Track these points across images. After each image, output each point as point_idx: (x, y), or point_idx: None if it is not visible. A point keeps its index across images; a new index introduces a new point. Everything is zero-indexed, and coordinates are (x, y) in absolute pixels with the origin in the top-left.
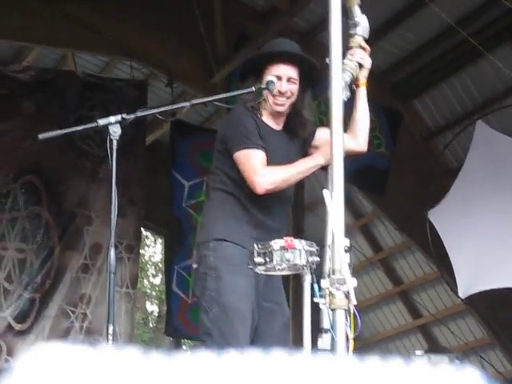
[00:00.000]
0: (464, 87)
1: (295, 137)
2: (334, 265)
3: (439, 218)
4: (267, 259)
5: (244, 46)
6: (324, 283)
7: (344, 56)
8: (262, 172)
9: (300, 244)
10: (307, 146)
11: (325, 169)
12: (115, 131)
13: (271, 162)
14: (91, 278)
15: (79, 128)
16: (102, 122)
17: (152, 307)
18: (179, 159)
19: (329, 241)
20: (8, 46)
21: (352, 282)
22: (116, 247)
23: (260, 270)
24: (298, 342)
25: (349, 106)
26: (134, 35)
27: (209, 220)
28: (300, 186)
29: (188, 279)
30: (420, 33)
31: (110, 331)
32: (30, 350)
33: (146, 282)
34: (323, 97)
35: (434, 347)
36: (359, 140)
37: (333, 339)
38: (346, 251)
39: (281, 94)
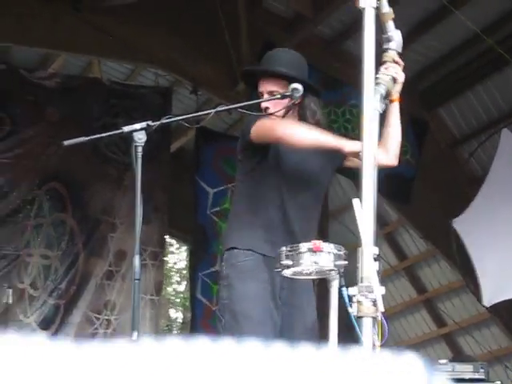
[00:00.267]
0: (489, 95)
1: None
2: (362, 272)
3: (464, 226)
4: (295, 262)
5: None
6: (352, 291)
7: (377, 70)
8: (278, 121)
9: (328, 247)
10: (341, 157)
11: (352, 177)
12: (140, 138)
13: (288, 161)
14: (115, 285)
15: (104, 135)
16: (127, 128)
17: (176, 314)
18: (204, 166)
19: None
20: (34, 52)
21: (380, 290)
22: (140, 254)
23: (287, 273)
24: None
25: (380, 121)
26: (160, 43)
27: (226, 232)
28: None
29: (212, 286)
30: (445, 41)
31: (135, 338)
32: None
33: (170, 288)
34: (348, 104)
35: (458, 356)
36: (390, 154)
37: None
38: (374, 259)
39: (265, 110)
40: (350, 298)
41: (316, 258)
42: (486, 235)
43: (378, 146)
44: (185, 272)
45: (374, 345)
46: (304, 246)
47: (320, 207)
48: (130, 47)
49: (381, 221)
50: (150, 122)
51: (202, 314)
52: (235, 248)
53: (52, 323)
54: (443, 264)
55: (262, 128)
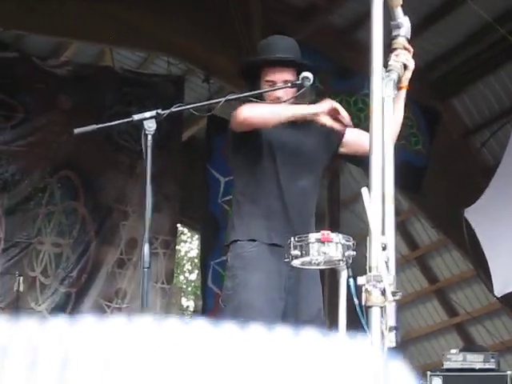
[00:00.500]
0: (502, 85)
1: (310, 126)
2: (370, 262)
3: (476, 216)
4: (303, 252)
5: None
6: (360, 280)
7: (388, 57)
8: (247, 105)
9: (337, 237)
10: (337, 143)
11: (360, 164)
12: (150, 126)
13: (283, 149)
14: (127, 273)
15: (114, 123)
16: (137, 117)
17: (188, 303)
18: (215, 155)
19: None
20: (47, 41)
21: (388, 279)
22: (152, 243)
23: (296, 263)
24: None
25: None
26: (172, 31)
27: (229, 226)
28: (335, 182)
29: (223, 275)
30: (458, 30)
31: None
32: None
33: (181, 277)
34: (360, 94)
35: (469, 346)
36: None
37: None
38: (383, 248)
39: (277, 99)
40: (359, 287)
41: (325, 248)
42: (498, 225)
43: None
44: (196, 261)
45: (382, 334)
46: (313, 237)
47: (317, 193)
48: (142, 35)
49: None
50: (159, 111)
51: (213, 303)
52: (238, 240)
53: (63, 311)
54: (455, 254)
55: (233, 117)
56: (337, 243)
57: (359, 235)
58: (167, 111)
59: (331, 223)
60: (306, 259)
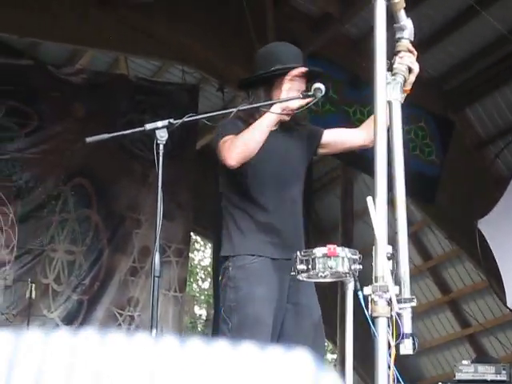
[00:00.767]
0: None
1: (292, 132)
2: (376, 272)
3: (489, 227)
4: (310, 266)
5: None
6: (367, 290)
7: (392, 60)
8: (226, 146)
9: (343, 252)
10: (316, 145)
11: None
12: (162, 136)
13: (270, 160)
14: (139, 281)
15: (126, 132)
16: (149, 126)
17: (200, 311)
18: None
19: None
20: (62, 49)
21: (394, 290)
22: (164, 251)
23: (303, 276)
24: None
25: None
26: (186, 40)
27: (225, 238)
28: (349, 192)
29: None
30: (472, 41)
31: (154, 335)
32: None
33: (195, 285)
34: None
35: (481, 357)
36: (370, 134)
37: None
38: (388, 258)
39: (293, 110)
40: (366, 298)
41: (331, 262)
42: (511, 236)
43: (361, 127)
44: (210, 269)
45: (389, 345)
46: (319, 251)
47: (302, 198)
48: (157, 44)
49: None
50: (172, 120)
51: None
52: (241, 253)
53: (75, 319)
54: (468, 265)
55: (221, 157)
56: (343, 257)
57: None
58: (179, 121)
59: (344, 234)
60: (312, 273)
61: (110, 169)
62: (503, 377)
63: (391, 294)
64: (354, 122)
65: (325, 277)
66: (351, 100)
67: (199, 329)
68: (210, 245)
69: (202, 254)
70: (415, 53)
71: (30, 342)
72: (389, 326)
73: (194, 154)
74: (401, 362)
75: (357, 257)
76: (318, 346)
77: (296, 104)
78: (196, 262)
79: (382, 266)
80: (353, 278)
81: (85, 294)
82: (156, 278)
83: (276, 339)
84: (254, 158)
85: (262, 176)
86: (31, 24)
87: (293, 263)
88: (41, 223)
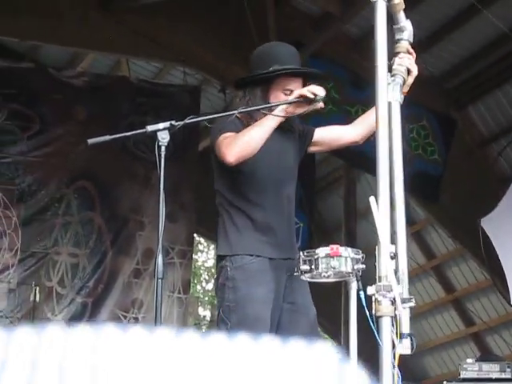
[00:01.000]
0: None
1: (286, 132)
2: (379, 272)
3: (492, 225)
4: (313, 266)
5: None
6: (370, 290)
7: (392, 61)
8: (226, 143)
9: (346, 251)
10: (307, 144)
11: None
12: (164, 138)
13: (267, 159)
14: (143, 283)
15: (128, 134)
16: (150, 128)
17: (205, 312)
18: None
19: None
20: (63, 51)
21: (398, 289)
22: (168, 252)
23: (306, 277)
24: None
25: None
26: (188, 41)
27: (221, 236)
28: (352, 192)
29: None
30: (474, 40)
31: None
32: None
33: (198, 287)
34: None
35: (485, 355)
36: (357, 131)
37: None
38: (391, 258)
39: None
40: (369, 298)
41: (334, 262)
42: None
43: (355, 123)
44: (213, 270)
45: (393, 344)
46: (322, 251)
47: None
48: (158, 46)
49: (409, 219)
50: (173, 122)
51: None
52: (239, 253)
53: (79, 321)
54: (471, 263)
55: (219, 155)
56: (346, 257)
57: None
58: (181, 123)
59: (348, 234)
60: (316, 273)
61: (112, 171)
62: (508, 375)
63: (395, 293)
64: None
65: (328, 277)
66: (353, 100)
67: (203, 330)
68: (213, 246)
69: (205, 255)
70: (414, 55)
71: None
72: (393, 325)
73: (196, 155)
74: (405, 361)
75: (360, 256)
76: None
77: (301, 110)
78: (200, 263)
79: (385, 265)
80: (356, 278)
81: (89, 296)
82: (159, 280)
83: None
84: (252, 158)
85: (259, 174)
86: (32, 27)
87: (292, 263)
88: (44, 226)
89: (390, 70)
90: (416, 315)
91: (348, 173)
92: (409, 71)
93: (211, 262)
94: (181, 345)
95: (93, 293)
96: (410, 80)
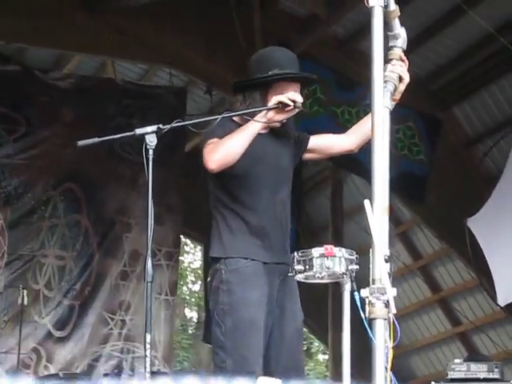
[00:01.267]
0: (504, 94)
1: (281, 137)
2: (373, 274)
3: (478, 225)
4: (307, 267)
5: None
6: (364, 292)
7: (384, 68)
8: (208, 149)
9: (340, 252)
10: (302, 151)
11: (364, 175)
12: (151, 141)
13: (261, 163)
14: (130, 285)
15: (116, 136)
16: (138, 131)
17: (191, 314)
18: None
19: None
20: (49, 53)
21: (392, 292)
22: (155, 254)
23: (300, 277)
24: (338, 350)
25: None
26: (174, 43)
27: (215, 239)
28: (338, 193)
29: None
30: (459, 40)
31: (148, 340)
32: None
33: (185, 288)
34: (362, 105)
35: (473, 355)
36: (351, 139)
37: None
38: (386, 261)
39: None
40: (363, 299)
41: (328, 262)
42: (501, 235)
43: (349, 132)
44: (200, 272)
45: (386, 347)
46: (316, 252)
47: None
48: (144, 47)
49: (395, 220)
50: (161, 126)
51: None
52: (234, 255)
53: (67, 324)
54: (458, 263)
55: (204, 161)
56: (340, 257)
57: (364, 246)
58: (168, 126)
59: (334, 234)
60: (310, 274)
61: (98, 173)
62: (496, 375)
63: (389, 296)
64: (342, 122)
65: (322, 277)
66: (339, 101)
67: (190, 331)
68: (199, 247)
69: (192, 256)
70: (407, 62)
71: None
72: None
73: (183, 157)
74: (393, 361)
75: (354, 257)
76: (299, 350)
77: (281, 117)
78: (186, 264)
79: (379, 268)
80: (350, 279)
81: (76, 299)
82: (149, 283)
83: (267, 342)
84: (244, 160)
85: (253, 178)
86: (18, 30)
87: (285, 268)
88: (31, 229)
89: None
90: (403, 315)
91: (335, 173)
92: (401, 78)
93: (197, 264)
94: None
95: (80, 295)
96: (402, 87)
